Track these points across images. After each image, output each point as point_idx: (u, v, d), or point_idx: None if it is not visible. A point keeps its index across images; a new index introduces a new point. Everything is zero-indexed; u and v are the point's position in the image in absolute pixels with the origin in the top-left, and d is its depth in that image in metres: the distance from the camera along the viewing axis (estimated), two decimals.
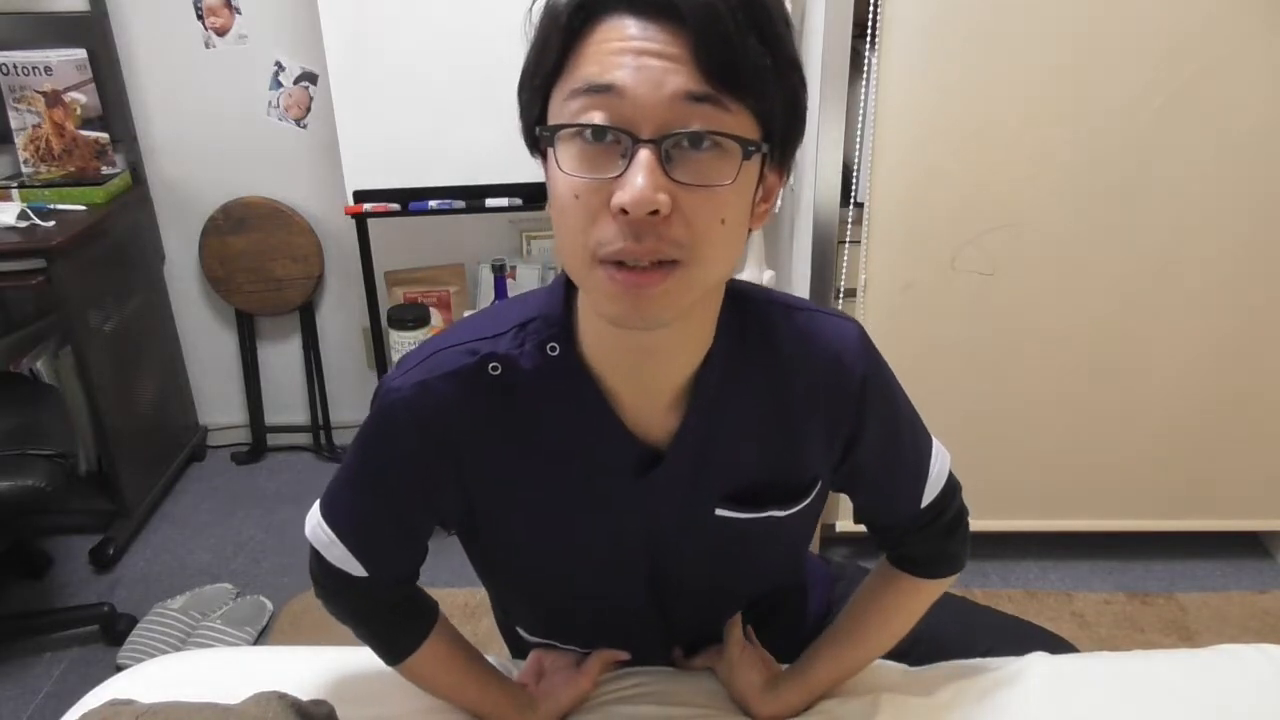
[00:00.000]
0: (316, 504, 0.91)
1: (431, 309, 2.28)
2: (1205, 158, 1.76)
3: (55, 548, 2.28)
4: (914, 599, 0.99)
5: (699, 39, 0.62)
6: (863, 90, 1.72)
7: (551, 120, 0.67)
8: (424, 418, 0.81)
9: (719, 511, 0.86)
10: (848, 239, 1.84)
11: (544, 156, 0.70)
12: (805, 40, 1.89)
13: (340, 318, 2.60)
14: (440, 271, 2.40)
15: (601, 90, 0.63)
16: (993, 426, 1.99)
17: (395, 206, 2.15)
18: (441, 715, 1.01)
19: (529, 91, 0.69)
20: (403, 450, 0.83)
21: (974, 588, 2.07)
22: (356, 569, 0.89)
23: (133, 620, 2.00)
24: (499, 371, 0.79)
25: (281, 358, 2.65)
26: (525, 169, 2.64)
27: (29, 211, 2.06)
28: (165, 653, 1.86)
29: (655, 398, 0.80)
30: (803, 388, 0.83)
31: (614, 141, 0.64)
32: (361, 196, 2.16)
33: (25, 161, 2.27)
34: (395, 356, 2.20)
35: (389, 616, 0.95)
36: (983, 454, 2.01)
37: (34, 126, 2.24)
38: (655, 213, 0.62)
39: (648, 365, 0.78)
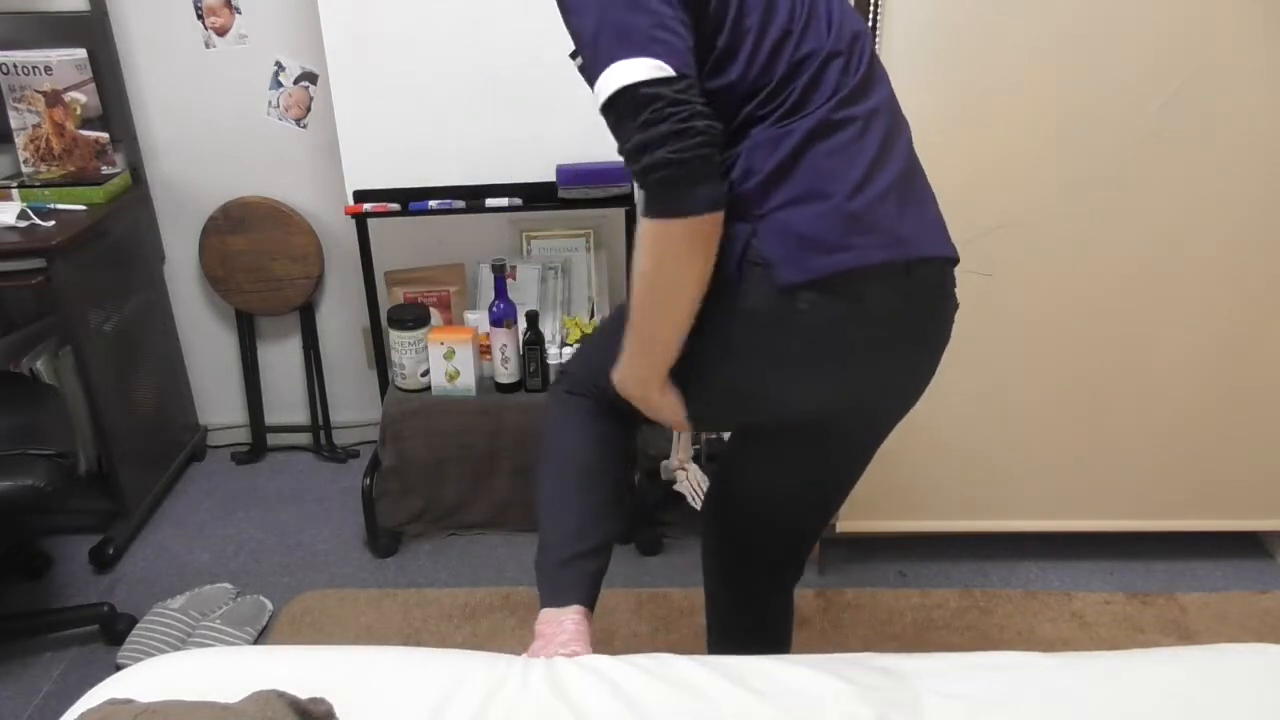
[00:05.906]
0: (605, 71, 0.99)
1: (431, 309, 2.28)
2: (1205, 158, 1.76)
3: (55, 548, 2.28)
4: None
5: None
6: None
7: None
8: None
9: None
10: None
11: None
12: None
13: (340, 318, 2.60)
14: (440, 271, 2.40)
15: None
16: (993, 426, 1.99)
17: (395, 206, 2.15)
18: (443, 717, 1.01)
19: None
20: None
21: (974, 588, 2.07)
22: (665, 70, 0.98)
23: (132, 620, 2.00)
24: None
25: (281, 358, 2.65)
26: (525, 169, 2.60)
27: (29, 211, 2.07)
28: (165, 653, 1.85)
29: None
30: None
31: None
32: (361, 196, 2.16)
33: (25, 161, 2.27)
34: (395, 357, 2.20)
35: (699, 157, 0.99)
36: (983, 454, 2.01)
37: (34, 126, 2.24)
38: None
39: None
